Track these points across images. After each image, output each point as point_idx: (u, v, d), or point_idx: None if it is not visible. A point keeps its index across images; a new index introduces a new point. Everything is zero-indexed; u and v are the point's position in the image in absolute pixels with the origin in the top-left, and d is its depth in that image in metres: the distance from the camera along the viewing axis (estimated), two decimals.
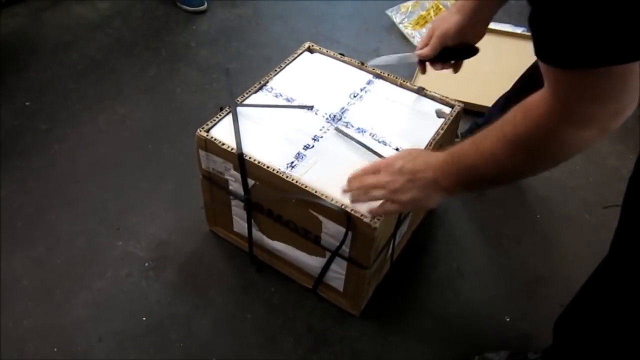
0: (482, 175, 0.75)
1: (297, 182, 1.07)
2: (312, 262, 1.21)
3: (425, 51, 1.06)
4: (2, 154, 1.55)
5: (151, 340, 1.20)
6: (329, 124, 1.20)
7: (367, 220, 1.01)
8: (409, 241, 1.39)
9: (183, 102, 1.76)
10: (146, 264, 1.33)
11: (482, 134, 0.74)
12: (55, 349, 1.18)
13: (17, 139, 1.60)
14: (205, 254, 1.36)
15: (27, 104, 1.71)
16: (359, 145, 1.15)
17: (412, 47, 2.00)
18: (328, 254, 1.16)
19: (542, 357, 1.10)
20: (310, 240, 1.16)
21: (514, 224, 1.48)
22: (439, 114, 1.24)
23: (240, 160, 1.11)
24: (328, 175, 1.09)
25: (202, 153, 1.19)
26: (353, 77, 1.33)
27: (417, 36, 2.01)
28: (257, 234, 1.27)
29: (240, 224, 1.29)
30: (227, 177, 1.19)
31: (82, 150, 1.59)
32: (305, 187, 1.06)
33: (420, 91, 1.29)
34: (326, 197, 1.05)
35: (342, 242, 1.09)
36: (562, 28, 0.53)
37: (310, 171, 1.10)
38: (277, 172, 1.08)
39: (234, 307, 1.26)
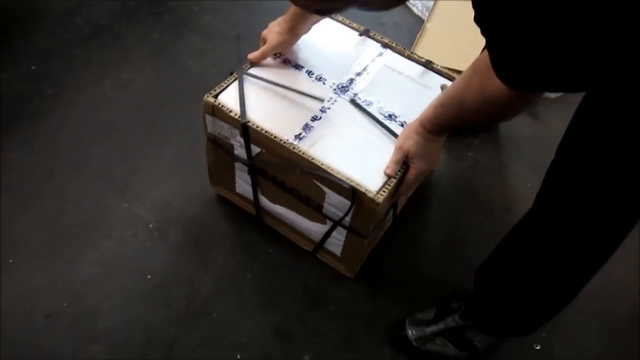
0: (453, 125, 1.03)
1: (304, 154, 1.09)
2: (313, 227, 1.26)
3: (257, 56, 1.25)
4: (11, 117, 1.59)
5: (156, 296, 1.27)
6: (336, 95, 1.22)
7: (371, 195, 1.05)
8: (404, 208, 1.44)
9: (187, 68, 1.79)
10: (151, 225, 1.39)
11: (447, 99, 0.98)
12: (66, 304, 1.25)
13: (25, 103, 1.64)
14: (208, 217, 1.42)
15: (32, 68, 1.74)
16: (365, 118, 1.17)
17: (413, 16, 2.01)
18: (329, 222, 1.20)
19: (464, 305, 1.18)
20: (312, 207, 1.20)
21: (505, 192, 1.52)
22: (443, 89, 1.26)
23: (244, 129, 1.14)
24: (335, 147, 1.12)
25: (208, 118, 1.20)
26: (362, 46, 1.32)
27: (418, 4, 2.02)
28: (259, 196, 1.31)
29: (242, 186, 1.33)
30: (232, 142, 1.21)
31: (88, 114, 1.63)
32: (312, 159, 1.08)
33: (428, 65, 1.29)
34: (332, 170, 1.07)
35: (346, 214, 1.12)
36: (517, 63, 0.71)
37: (317, 143, 1.12)
38: (285, 143, 1.10)
39: (234, 267, 1.33)
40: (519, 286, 1.03)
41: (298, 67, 1.27)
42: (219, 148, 1.27)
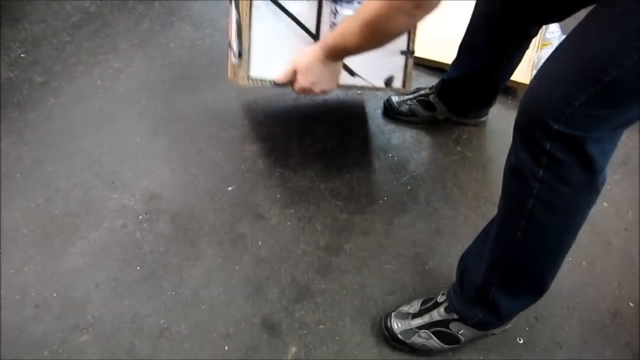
0: (348, 49, 1.10)
1: None
2: None
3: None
4: (0, 105, 1.59)
5: (145, 287, 1.28)
6: None
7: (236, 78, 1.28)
8: (391, 200, 1.45)
9: (177, 58, 1.79)
10: (140, 217, 1.40)
11: (347, 23, 1.04)
12: (55, 294, 1.26)
13: (14, 91, 1.64)
14: (197, 208, 1.43)
15: (22, 55, 1.74)
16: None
17: None
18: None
19: (448, 298, 1.20)
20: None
21: (491, 186, 1.54)
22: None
23: None
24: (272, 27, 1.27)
25: None
26: None
27: None
28: None
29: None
30: None
31: (78, 104, 1.63)
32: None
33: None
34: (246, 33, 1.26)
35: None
36: None
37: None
38: None
39: (223, 259, 1.34)
40: (493, 276, 1.06)
41: None
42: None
